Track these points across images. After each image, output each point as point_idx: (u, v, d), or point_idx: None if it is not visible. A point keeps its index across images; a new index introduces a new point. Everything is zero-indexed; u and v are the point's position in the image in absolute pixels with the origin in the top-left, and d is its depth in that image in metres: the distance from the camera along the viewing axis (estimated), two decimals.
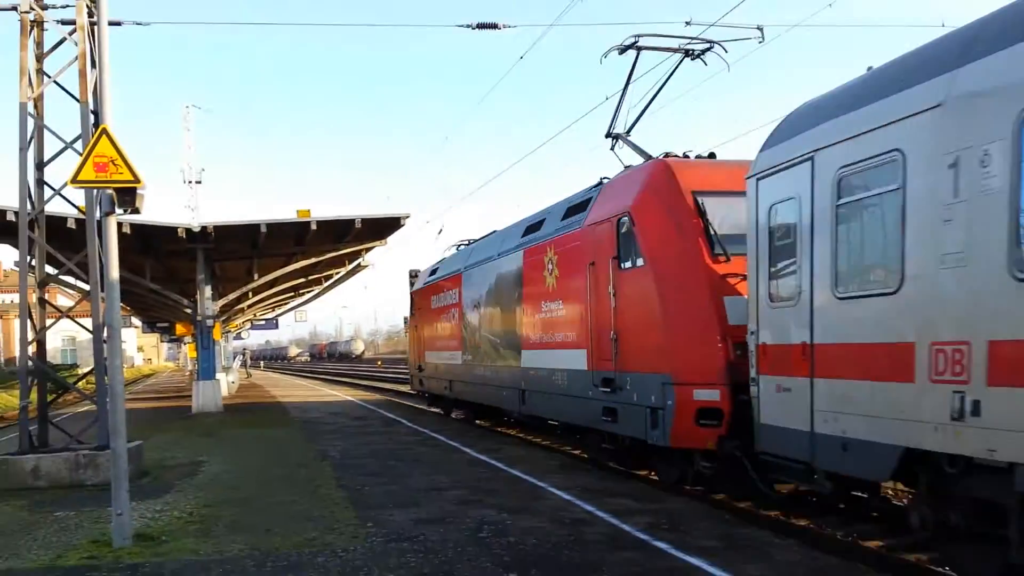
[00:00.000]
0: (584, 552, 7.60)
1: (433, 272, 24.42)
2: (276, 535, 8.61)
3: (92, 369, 13.67)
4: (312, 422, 22.06)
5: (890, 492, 10.04)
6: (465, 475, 12.27)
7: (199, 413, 25.90)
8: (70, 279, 23.33)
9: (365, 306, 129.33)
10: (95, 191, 10.94)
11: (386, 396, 34.03)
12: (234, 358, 59.86)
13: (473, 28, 16.47)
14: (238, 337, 63.47)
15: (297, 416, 24.41)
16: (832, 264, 7.87)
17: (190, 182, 57.56)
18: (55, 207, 14.97)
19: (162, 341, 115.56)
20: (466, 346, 20.15)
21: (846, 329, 7.68)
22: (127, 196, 8.81)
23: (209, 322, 26.36)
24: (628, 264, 11.64)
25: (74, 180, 8.76)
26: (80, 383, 20.77)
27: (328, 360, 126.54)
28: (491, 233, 20.24)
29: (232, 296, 29.83)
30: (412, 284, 26.99)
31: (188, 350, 54.30)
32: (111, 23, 12.63)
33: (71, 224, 18.75)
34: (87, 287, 14.22)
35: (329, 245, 26.35)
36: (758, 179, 9.26)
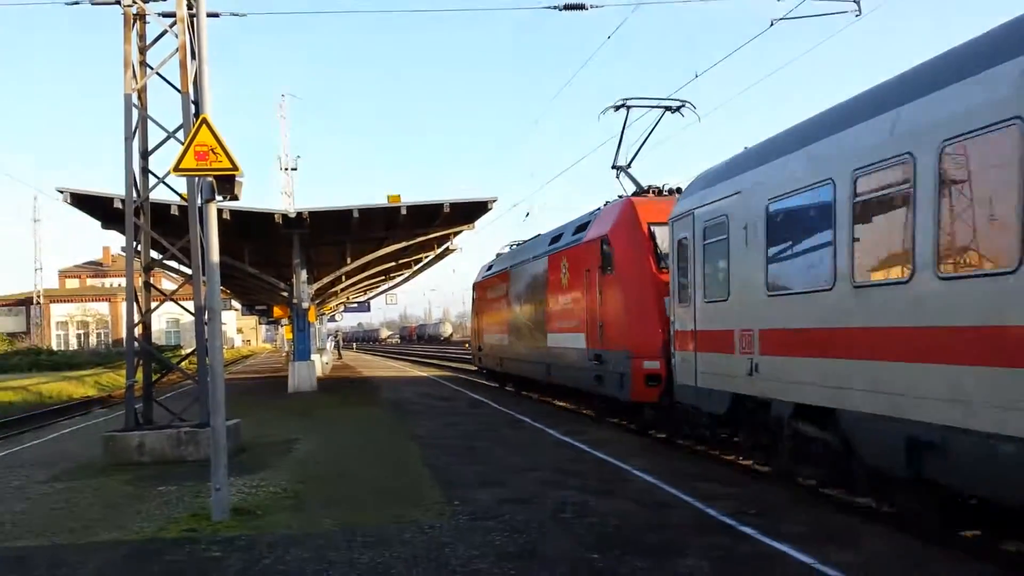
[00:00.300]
0: (667, 535, 7.60)
1: (488, 268, 29.95)
2: (365, 511, 8.89)
3: (194, 350, 14.18)
4: (401, 402, 22.52)
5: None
6: (549, 456, 12.37)
7: (294, 393, 26.70)
8: (174, 264, 24.29)
9: (454, 289, 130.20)
10: (196, 179, 11.35)
11: (472, 377, 34.55)
12: (328, 339, 61.31)
13: (560, 9, 16.44)
14: (332, 319, 65.01)
15: (387, 396, 24.95)
16: (703, 281, 12.44)
17: (286, 169, 58.97)
18: (159, 195, 15.52)
19: (260, 323, 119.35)
20: (511, 330, 25.32)
21: (709, 322, 12.20)
22: (226, 183, 9.14)
23: (304, 305, 27.06)
24: (607, 272, 16.19)
25: (176, 168, 9.09)
26: (183, 363, 21.67)
27: (418, 342, 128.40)
28: (535, 237, 24.54)
29: (326, 280, 30.54)
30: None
31: (285, 332, 55.97)
32: (209, 15, 13.04)
33: (174, 211, 19.42)
34: (189, 271, 14.75)
35: (418, 229, 26.69)
36: (672, 220, 13.81)
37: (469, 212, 26.09)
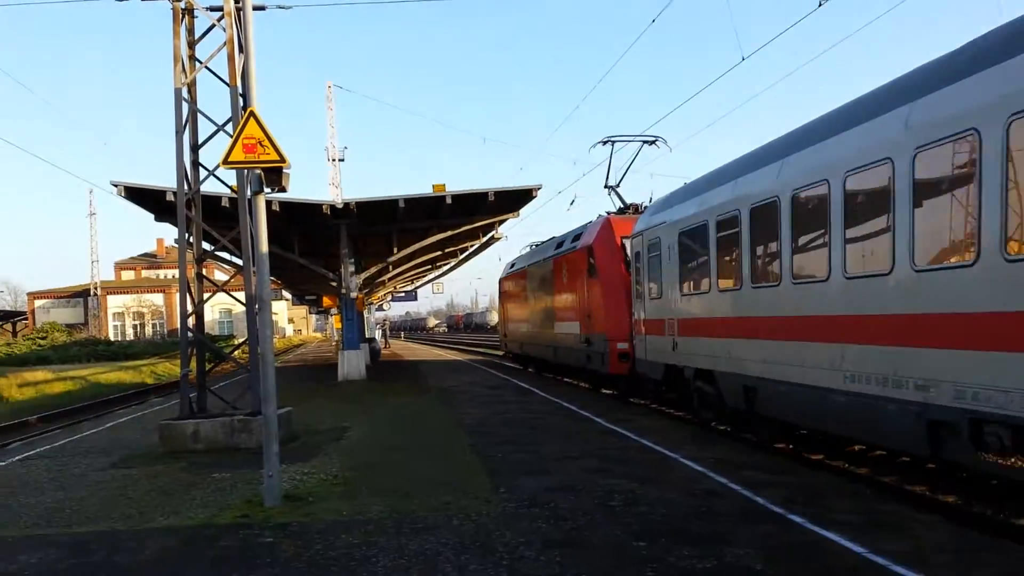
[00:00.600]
0: (715, 524, 7.57)
1: (511, 267, 34.71)
2: (414, 498, 8.99)
3: (246, 340, 14.43)
4: (449, 390, 22.67)
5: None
6: (596, 444, 12.36)
7: (344, 381, 27.00)
8: (225, 255, 24.70)
9: (500, 277, 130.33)
10: (245, 171, 11.51)
11: (519, 364, 34.81)
12: (376, 329, 61.87)
13: None
14: (380, 309, 65.59)
15: (435, 384, 25.13)
16: (647, 283, 16.90)
17: (333, 160, 59.46)
18: (210, 187, 15.76)
19: (310, 313, 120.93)
20: (529, 319, 30.16)
21: (651, 313, 16.71)
22: (274, 175, 9.27)
23: (352, 294, 27.35)
24: (592, 275, 20.72)
25: (225, 161, 9.24)
26: (236, 353, 22.03)
27: (465, 330, 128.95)
28: (548, 240, 28.61)
29: (373, 269, 30.83)
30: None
31: (334, 321, 56.60)
32: (255, 8, 13.17)
33: (225, 203, 19.72)
34: (241, 262, 14.98)
35: (463, 218, 26.80)
36: (631, 237, 18.28)
37: (514, 200, 26.12)
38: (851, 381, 9.40)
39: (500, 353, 41.94)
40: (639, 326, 17.74)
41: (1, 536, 8.13)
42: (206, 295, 15.19)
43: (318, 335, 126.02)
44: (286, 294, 72.46)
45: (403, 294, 59.08)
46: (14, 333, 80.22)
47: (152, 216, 22.62)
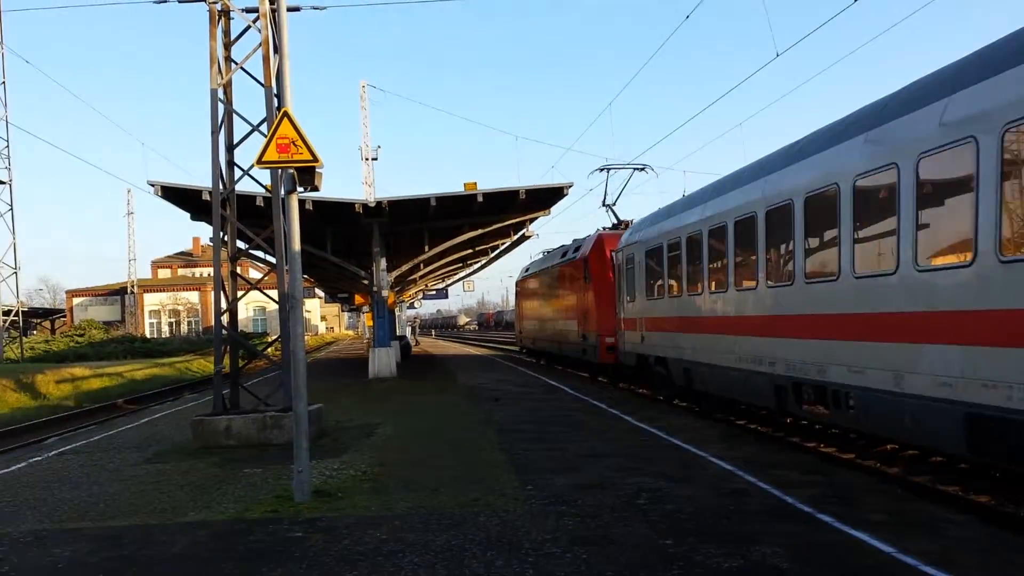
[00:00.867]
0: (743, 523, 7.53)
1: (525, 271, 39.96)
2: (442, 495, 9.05)
3: (279, 337, 14.57)
4: (478, 388, 22.73)
5: None
6: (624, 442, 12.35)
7: (374, 379, 27.17)
8: (259, 253, 24.94)
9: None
10: (279, 171, 11.63)
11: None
12: (406, 326, 62.14)
13: None
14: (411, 307, 65.85)
15: (464, 382, 25.21)
16: (627, 290, 21.00)
17: (367, 159, 59.73)
18: (245, 186, 15.94)
19: (343, 311, 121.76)
20: (539, 318, 35.54)
21: (629, 314, 20.76)
22: (307, 175, 9.37)
23: (384, 292, 27.50)
24: (587, 281, 25.39)
25: (259, 161, 9.31)
26: (269, 350, 22.27)
27: (495, 328, 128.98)
28: (558, 247, 32.88)
29: (405, 267, 30.95)
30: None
31: (366, 319, 56.95)
32: (290, 9, 13.35)
33: (259, 202, 19.95)
34: (274, 261, 15.13)
35: (495, 216, 26.84)
36: (615, 251, 22.48)
37: (545, 198, 26.10)
38: (739, 362, 13.84)
39: (520, 349, 45.59)
40: (620, 324, 22.15)
41: (36, 529, 8.30)
42: (240, 293, 15.36)
43: (350, 333, 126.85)
44: (319, 292, 73.01)
45: (434, 292, 59.30)
46: (52, 330, 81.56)
47: (188, 215, 22.94)
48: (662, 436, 12.85)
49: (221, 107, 14.43)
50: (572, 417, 15.58)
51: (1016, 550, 6.61)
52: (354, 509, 8.57)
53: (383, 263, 27.03)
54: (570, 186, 24.99)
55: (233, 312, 14.92)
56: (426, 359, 42.90)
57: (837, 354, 10.55)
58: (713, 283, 15.09)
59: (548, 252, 34.83)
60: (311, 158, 9.18)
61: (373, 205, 24.10)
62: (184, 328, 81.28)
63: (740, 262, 13.87)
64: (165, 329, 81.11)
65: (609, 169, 27.21)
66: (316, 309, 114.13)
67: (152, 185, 20.67)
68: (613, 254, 23.12)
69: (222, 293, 14.56)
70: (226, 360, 14.79)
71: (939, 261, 8.70)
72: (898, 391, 9.21)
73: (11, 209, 47.35)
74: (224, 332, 14.58)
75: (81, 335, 62.12)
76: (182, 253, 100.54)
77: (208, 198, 17.66)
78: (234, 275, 15.23)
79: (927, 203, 8.84)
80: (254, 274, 62.70)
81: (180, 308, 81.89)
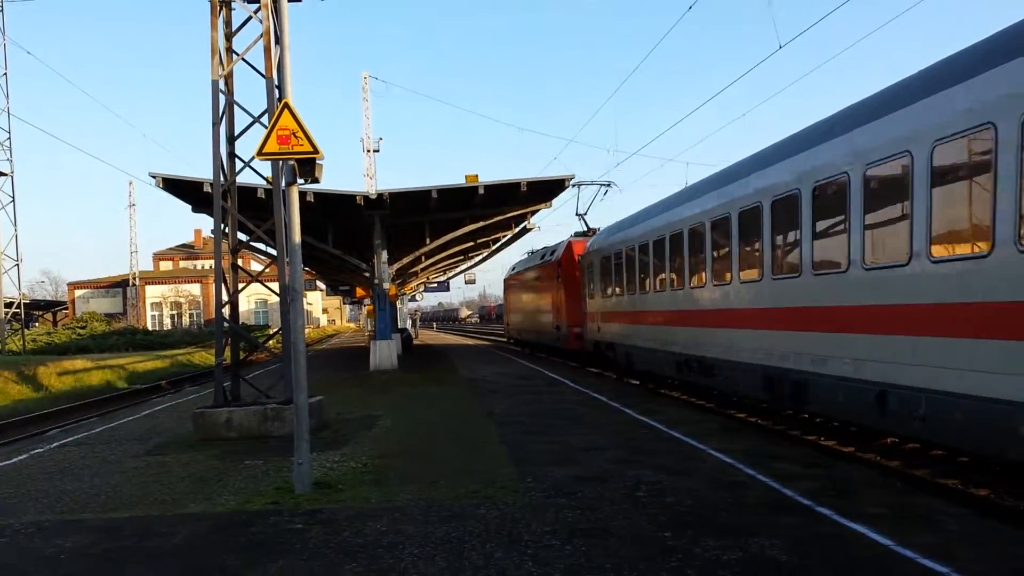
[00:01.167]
0: (742, 515, 7.54)
1: (513, 269, 44.99)
2: (441, 487, 9.07)
3: (279, 329, 14.58)
4: (479, 380, 22.74)
5: None
6: (624, 435, 12.35)
7: (376, 371, 27.22)
8: (261, 245, 24.94)
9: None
10: (279, 162, 11.62)
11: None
12: (407, 319, 62.13)
13: None
14: (412, 299, 65.85)
15: (465, 375, 25.23)
16: (587, 289, 26.98)
17: (368, 151, 59.62)
18: (246, 178, 15.90)
19: (344, 303, 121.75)
20: (524, 312, 40.46)
21: (590, 308, 26.47)
22: (307, 166, 9.35)
23: (385, 285, 27.51)
24: (559, 281, 30.04)
25: (260, 153, 9.29)
26: (270, 342, 22.28)
27: (497, 321, 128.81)
28: (542, 248, 37.50)
29: (406, 260, 30.95)
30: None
31: (367, 311, 56.95)
32: (290, 0, 13.31)
33: (260, 194, 19.92)
34: (275, 253, 15.11)
35: (496, 209, 26.83)
36: (582, 255, 27.83)
37: (546, 190, 26.11)
38: (660, 346, 18.86)
39: (507, 339, 50.51)
40: (584, 317, 27.58)
41: (38, 520, 8.33)
42: (241, 285, 15.35)
43: (351, 325, 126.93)
44: (320, 284, 73.00)
45: (435, 285, 59.32)
46: (54, 322, 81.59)
47: (190, 207, 22.93)
48: (662, 429, 12.86)
49: (222, 98, 14.40)
50: (572, 410, 15.59)
51: (1015, 543, 6.62)
52: (354, 501, 8.59)
53: (384, 255, 27.04)
54: (571, 178, 25.01)
55: (234, 304, 14.93)
56: (427, 351, 42.98)
57: (701, 339, 16.10)
58: (643, 286, 20.24)
59: (531, 253, 40.19)
60: (311, 150, 9.17)
61: (374, 197, 24.09)
62: (186, 320, 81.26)
63: (656, 271, 19.08)
64: (167, 321, 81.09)
65: (580, 185, 31.90)
66: (318, 302, 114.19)
67: (153, 177, 20.67)
68: (579, 258, 28.30)
69: (223, 285, 14.55)
70: (227, 352, 14.78)
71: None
72: (729, 359, 14.65)
73: (12, 201, 47.39)
74: (225, 324, 14.58)
75: (83, 327, 62.17)
76: (184, 245, 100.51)
77: (209, 190, 17.64)
78: (235, 267, 15.21)
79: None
80: (256, 266, 62.67)
81: (182, 300, 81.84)
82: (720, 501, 8.11)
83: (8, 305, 48.87)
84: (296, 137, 9.18)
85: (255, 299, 79.76)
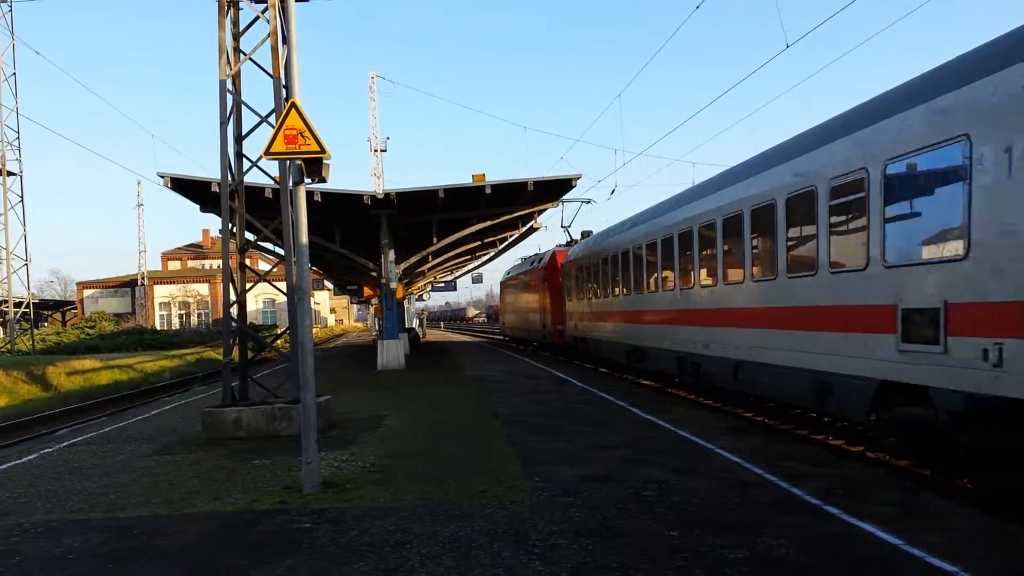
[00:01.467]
0: (749, 514, 7.53)
1: (507, 274, 50.26)
2: (449, 486, 9.08)
3: (287, 329, 14.59)
4: (485, 380, 22.76)
5: None
6: (631, 434, 12.34)
7: (383, 370, 27.25)
8: (268, 245, 24.99)
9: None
10: (287, 162, 11.62)
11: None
12: (414, 319, 62.17)
13: None
14: (420, 299, 65.88)
15: (471, 374, 25.25)
16: (567, 293, 32.83)
17: (376, 150, 59.62)
18: (253, 178, 15.91)
19: (352, 303, 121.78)
20: (517, 312, 45.83)
21: (570, 309, 32.11)
22: (314, 166, 9.35)
23: (392, 284, 27.55)
24: (545, 285, 35.85)
25: (267, 152, 9.28)
26: (278, 342, 22.33)
27: None
28: (531, 256, 43.16)
29: (413, 259, 31.00)
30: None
31: (374, 311, 56.95)
32: (298, 0, 13.30)
33: (268, 194, 19.95)
34: (282, 252, 15.12)
35: (503, 208, 26.85)
36: (563, 263, 33.68)
37: (553, 190, 26.11)
38: (617, 339, 23.63)
39: (503, 337, 55.69)
40: (565, 316, 32.60)
41: (47, 520, 8.37)
42: (248, 285, 15.37)
43: (359, 325, 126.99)
44: (328, 284, 73.07)
45: (443, 284, 59.39)
46: (63, 322, 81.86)
47: (198, 207, 22.99)
48: (670, 428, 12.85)
49: (230, 98, 14.40)
50: (580, 409, 15.58)
51: (1021, 542, 6.59)
52: (362, 500, 8.60)
53: (391, 255, 27.08)
54: (578, 178, 25.00)
55: (242, 304, 14.94)
56: (434, 350, 43.02)
57: (640, 333, 21.31)
58: (604, 292, 25.30)
59: (523, 259, 45.61)
60: (319, 149, 9.17)
61: (381, 197, 24.13)
62: (194, 320, 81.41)
63: (612, 282, 24.19)
64: (175, 321, 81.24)
65: (564, 201, 35.13)
66: (325, 301, 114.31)
67: (162, 177, 20.76)
68: (562, 266, 33.72)
69: (231, 285, 14.58)
70: (235, 352, 14.80)
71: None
72: (657, 347, 19.91)
73: (22, 201, 47.54)
74: (233, 324, 14.60)
75: (92, 327, 62.32)
76: (192, 245, 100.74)
77: (217, 190, 17.66)
78: (243, 267, 15.22)
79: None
80: (264, 266, 62.79)
81: (190, 300, 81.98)
82: (727, 500, 8.10)
83: (17, 305, 49.05)
84: (303, 137, 9.18)
85: (263, 298, 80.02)
